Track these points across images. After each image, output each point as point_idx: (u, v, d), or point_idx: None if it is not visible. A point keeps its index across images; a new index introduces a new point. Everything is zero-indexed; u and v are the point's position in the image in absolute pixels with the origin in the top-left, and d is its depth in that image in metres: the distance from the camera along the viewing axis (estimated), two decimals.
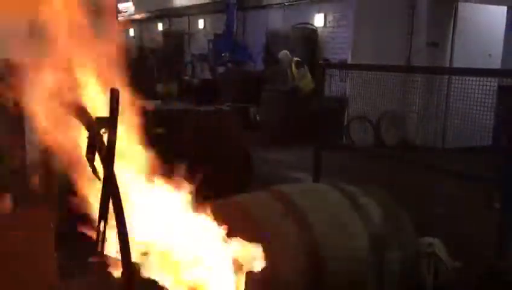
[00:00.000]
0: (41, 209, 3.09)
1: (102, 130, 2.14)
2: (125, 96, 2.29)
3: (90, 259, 2.33)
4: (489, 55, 9.91)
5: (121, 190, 2.17)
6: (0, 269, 2.56)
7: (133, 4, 21.62)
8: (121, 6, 19.94)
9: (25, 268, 2.75)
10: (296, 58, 10.57)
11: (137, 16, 21.88)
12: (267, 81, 11.28)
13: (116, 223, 2.14)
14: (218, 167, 5.71)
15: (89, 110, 2.23)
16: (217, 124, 5.95)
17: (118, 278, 2.33)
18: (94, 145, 2.15)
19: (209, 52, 15.40)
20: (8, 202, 3.17)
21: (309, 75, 10.47)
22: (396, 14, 10.25)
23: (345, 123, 9.76)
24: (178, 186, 2.70)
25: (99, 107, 2.27)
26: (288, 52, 10.67)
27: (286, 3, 12.81)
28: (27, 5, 2.21)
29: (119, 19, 6.14)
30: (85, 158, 2.18)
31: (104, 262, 2.33)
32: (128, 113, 2.42)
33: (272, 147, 9.40)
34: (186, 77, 15.79)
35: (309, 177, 5.93)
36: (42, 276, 2.79)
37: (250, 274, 2.57)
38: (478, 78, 4.60)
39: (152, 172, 2.62)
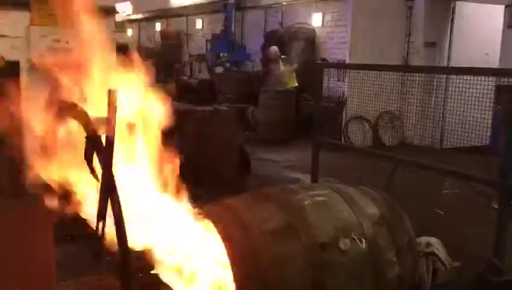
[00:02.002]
0: (41, 206, 3.08)
1: (101, 131, 2.14)
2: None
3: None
4: (487, 54, 9.93)
5: (119, 190, 2.17)
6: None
7: (131, 4, 21.60)
8: (118, 6, 19.90)
9: (23, 264, 2.74)
10: (283, 56, 10.68)
11: (135, 16, 21.87)
12: (263, 80, 11.30)
13: (115, 223, 2.14)
14: (216, 167, 5.72)
15: (87, 110, 2.23)
16: (215, 124, 5.96)
17: (116, 278, 2.33)
18: (93, 145, 2.15)
19: (207, 52, 15.39)
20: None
21: (293, 74, 10.59)
22: (394, 13, 10.26)
23: (343, 123, 9.77)
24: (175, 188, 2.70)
25: (97, 108, 2.27)
26: (277, 49, 10.76)
27: (284, 3, 12.81)
28: None
29: (116, 19, 6.14)
30: (84, 158, 2.18)
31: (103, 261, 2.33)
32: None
33: (270, 147, 9.41)
34: (185, 77, 15.78)
35: (307, 177, 5.93)
36: (40, 272, 2.78)
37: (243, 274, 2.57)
38: (476, 78, 4.60)
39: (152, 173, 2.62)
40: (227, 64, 13.89)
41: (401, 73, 8.35)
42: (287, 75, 10.54)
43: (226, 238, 2.64)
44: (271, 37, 12.50)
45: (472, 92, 4.75)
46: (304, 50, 11.31)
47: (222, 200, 3.07)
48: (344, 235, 2.88)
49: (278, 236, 2.77)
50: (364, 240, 2.89)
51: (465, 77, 4.76)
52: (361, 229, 2.96)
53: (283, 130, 10.18)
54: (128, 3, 21.23)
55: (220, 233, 2.67)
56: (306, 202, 3.01)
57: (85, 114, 2.21)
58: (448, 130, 6.51)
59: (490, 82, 4.67)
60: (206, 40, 15.61)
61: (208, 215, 2.79)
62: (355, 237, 2.86)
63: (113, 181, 2.16)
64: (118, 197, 2.15)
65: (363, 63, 8.63)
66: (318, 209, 2.97)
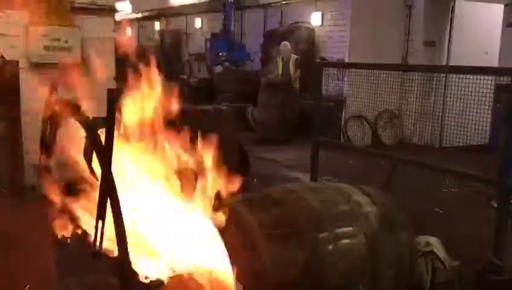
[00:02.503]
0: (41, 206, 3.09)
1: (100, 130, 2.14)
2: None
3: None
4: (486, 53, 9.94)
5: (118, 189, 2.17)
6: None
7: (130, 3, 21.59)
8: (118, 5, 19.88)
9: (23, 264, 2.74)
10: (295, 56, 10.59)
11: (134, 15, 21.86)
12: (262, 76, 11.28)
13: (114, 223, 2.14)
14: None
15: (86, 110, 2.23)
16: (214, 123, 5.95)
17: (116, 278, 2.32)
18: (92, 145, 2.14)
19: (207, 51, 15.39)
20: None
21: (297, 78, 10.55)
22: (393, 12, 10.26)
23: (343, 122, 9.77)
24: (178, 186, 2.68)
25: (96, 107, 2.27)
26: (288, 44, 10.67)
27: (283, 2, 12.81)
28: None
29: (116, 18, 6.15)
30: (83, 158, 2.18)
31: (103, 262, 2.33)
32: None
33: (269, 146, 9.41)
34: (184, 77, 15.78)
35: (307, 177, 5.94)
36: (40, 272, 2.79)
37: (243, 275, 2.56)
38: (475, 77, 4.60)
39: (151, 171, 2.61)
40: (227, 64, 13.88)
41: (400, 72, 8.35)
42: (293, 76, 10.51)
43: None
44: (270, 36, 12.50)
45: (471, 91, 4.75)
46: (303, 49, 11.30)
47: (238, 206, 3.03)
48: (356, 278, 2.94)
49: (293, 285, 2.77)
50: None
51: (464, 76, 4.76)
52: (375, 272, 2.99)
53: (282, 130, 10.17)
54: (128, 2, 21.22)
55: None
56: (329, 247, 2.93)
57: (84, 113, 2.21)
58: (448, 129, 6.51)
59: (489, 81, 4.67)
60: (206, 39, 15.60)
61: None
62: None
63: (113, 181, 2.15)
64: (117, 196, 2.15)
65: (362, 62, 8.63)
66: (339, 251, 2.93)
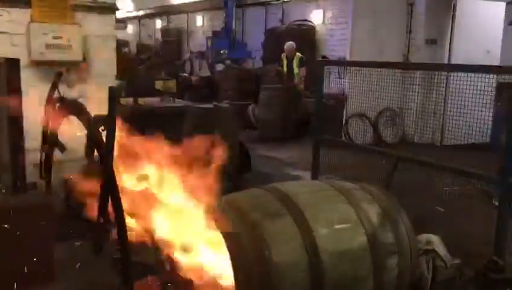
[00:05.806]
0: (42, 203, 3.09)
1: (101, 128, 2.15)
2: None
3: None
4: (488, 51, 9.92)
5: (120, 186, 2.17)
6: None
7: (132, 1, 21.58)
8: (119, 3, 19.86)
9: (25, 261, 2.75)
10: (300, 55, 10.56)
11: (135, 13, 21.85)
12: (263, 77, 11.27)
13: (116, 219, 2.14)
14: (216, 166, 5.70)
15: (87, 108, 2.24)
16: (215, 121, 5.95)
17: (118, 277, 2.33)
18: (93, 142, 2.15)
19: (208, 49, 15.39)
20: None
21: (302, 78, 10.51)
22: (394, 11, 10.25)
23: (344, 120, 9.75)
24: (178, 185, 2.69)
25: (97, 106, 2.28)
26: (292, 44, 10.64)
27: (285, 0, 12.80)
28: None
29: (117, 16, 6.16)
30: (84, 155, 2.18)
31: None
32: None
33: (270, 144, 9.41)
34: (185, 74, 15.80)
35: (308, 175, 5.94)
36: (42, 269, 2.79)
37: (246, 273, 2.57)
38: (477, 75, 4.59)
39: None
40: (228, 62, 13.88)
41: (401, 70, 8.33)
42: (298, 78, 10.49)
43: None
44: (271, 34, 12.49)
45: (473, 89, 4.74)
46: (304, 47, 11.29)
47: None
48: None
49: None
50: None
51: (465, 74, 4.75)
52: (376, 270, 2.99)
53: (284, 128, 10.16)
54: (129, 0, 21.22)
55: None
56: (328, 244, 2.96)
57: (86, 111, 2.21)
58: (449, 127, 6.50)
59: (491, 79, 4.66)
60: (207, 37, 15.60)
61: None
62: None
63: (114, 178, 2.16)
64: (118, 193, 2.15)
65: (363, 60, 8.61)
66: (339, 248, 2.95)
